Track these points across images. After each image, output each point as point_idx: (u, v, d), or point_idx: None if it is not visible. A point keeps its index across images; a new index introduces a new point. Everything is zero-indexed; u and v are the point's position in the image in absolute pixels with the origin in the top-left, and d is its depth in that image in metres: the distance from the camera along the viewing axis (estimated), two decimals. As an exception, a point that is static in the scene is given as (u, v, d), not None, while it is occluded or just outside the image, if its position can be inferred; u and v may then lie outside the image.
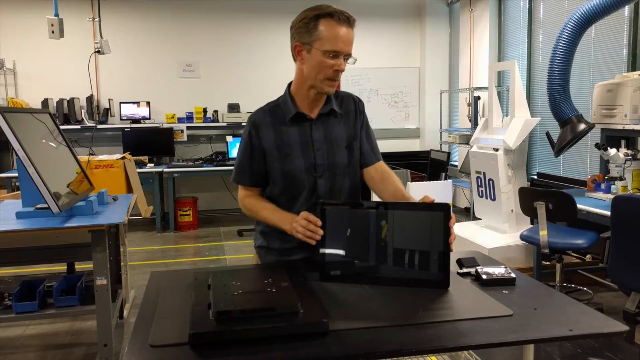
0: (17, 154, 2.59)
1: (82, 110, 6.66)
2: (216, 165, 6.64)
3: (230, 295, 1.39)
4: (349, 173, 1.89)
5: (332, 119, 1.87)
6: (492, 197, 4.58)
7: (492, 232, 4.62)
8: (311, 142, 1.84)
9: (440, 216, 1.55)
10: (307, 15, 1.72)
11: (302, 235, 1.65)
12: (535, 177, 5.73)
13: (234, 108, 7.03)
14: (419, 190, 4.77)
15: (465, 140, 6.27)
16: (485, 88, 5.74)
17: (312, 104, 1.85)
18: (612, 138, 3.98)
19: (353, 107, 1.93)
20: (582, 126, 3.96)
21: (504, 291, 1.57)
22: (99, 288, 2.76)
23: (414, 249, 1.58)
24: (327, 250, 1.63)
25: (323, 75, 1.74)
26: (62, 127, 3.45)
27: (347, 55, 1.74)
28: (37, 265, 3.87)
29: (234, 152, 6.76)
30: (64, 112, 6.50)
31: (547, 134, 4.25)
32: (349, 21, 1.72)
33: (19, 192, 3.06)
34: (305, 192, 1.84)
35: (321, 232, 1.62)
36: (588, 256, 4.49)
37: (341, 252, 1.63)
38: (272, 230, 1.88)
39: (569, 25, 3.95)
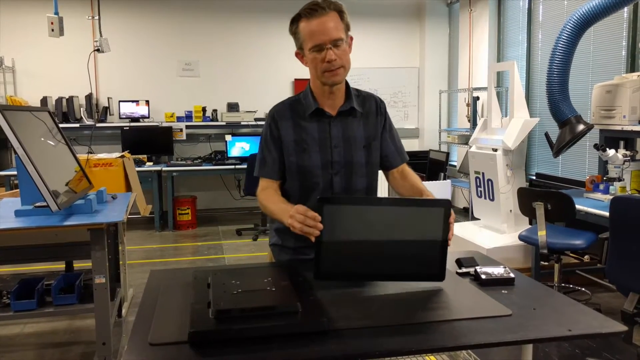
0: (16, 152, 2.58)
1: (81, 109, 6.66)
2: (215, 165, 6.63)
3: (230, 294, 1.40)
4: (366, 173, 1.88)
5: (352, 117, 1.88)
6: (491, 198, 4.58)
7: (490, 232, 4.62)
8: (329, 138, 1.84)
9: (440, 212, 1.54)
10: (290, 24, 1.78)
11: (300, 230, 1.56)
12: (534, 177, 5.73)
13: (233, 107, 7.03)
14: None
15: (464, 140, 6.27)
16: (485, 88, 5.74)
17: (332, 101, 1.85)
18: (610, 139, 3.99)
19: (375, 107, 1.93)
20: (581, 127, 3.96)
21: (502, 291, 1.58)
22: (98, 286, 2.76)
23: (411, 241, 1.56)
24: (323, 247, 1.56)
25: (320, 70, 1.75)
26: (61, 125, 3.44)
27: (334, 42, 1.71)
28: (35, 263, 3.86)
29: (233, 152, 6.76)
30: (63, 111, 6.49)
31: (546, 135, 4.25)
32: (317, 10, 1.70)
33: (18, 190, 3.06)
34: (320, 189, 1.83)
35: (321, 226, 1.52)
36: (586, 257, 4.49)
37: (337, 249, 1.57)
38: (287, 228, 1.83)
39: (568, 26, 3.95)
